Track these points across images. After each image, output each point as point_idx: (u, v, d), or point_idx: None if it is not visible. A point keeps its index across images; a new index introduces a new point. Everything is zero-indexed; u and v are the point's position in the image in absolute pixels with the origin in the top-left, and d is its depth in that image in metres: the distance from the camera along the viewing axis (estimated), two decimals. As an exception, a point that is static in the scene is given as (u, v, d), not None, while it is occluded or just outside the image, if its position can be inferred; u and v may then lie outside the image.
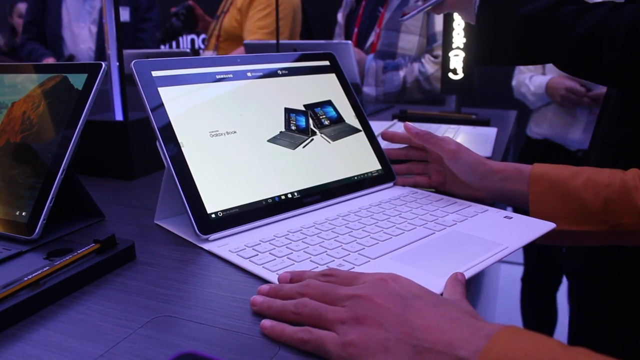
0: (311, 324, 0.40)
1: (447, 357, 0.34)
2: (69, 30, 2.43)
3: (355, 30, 1.94)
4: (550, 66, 1.79)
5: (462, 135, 1.10)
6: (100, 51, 2.41)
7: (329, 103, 0.77)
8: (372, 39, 1.90)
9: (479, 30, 0.80)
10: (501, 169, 0.68)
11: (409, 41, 1.84)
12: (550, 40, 0.74)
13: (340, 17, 2.07)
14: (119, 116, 0.86)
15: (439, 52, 1.78)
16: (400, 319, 0.37)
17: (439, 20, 1.80)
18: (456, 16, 1.31)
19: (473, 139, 1.07)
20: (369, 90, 1.86)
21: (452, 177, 0.73)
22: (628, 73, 0.70)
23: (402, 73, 1.83)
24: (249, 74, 0.71)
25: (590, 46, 0.70)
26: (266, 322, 0.42)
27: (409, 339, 0.36)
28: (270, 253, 0.54)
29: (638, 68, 0.69)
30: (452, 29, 1.32)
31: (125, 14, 2.37)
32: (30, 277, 0.45)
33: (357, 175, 0.74)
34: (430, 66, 1.81)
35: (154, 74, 0.62)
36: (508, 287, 2.28)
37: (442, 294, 0.45)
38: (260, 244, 0.56)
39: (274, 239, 0.57)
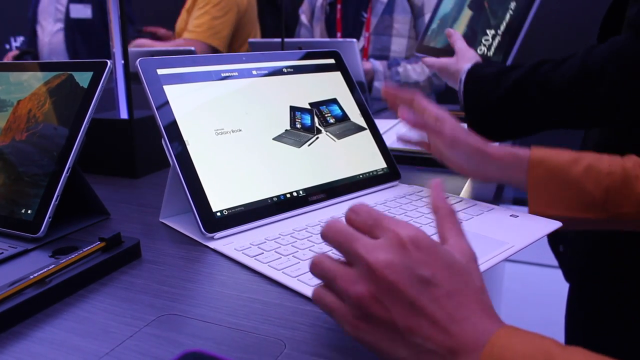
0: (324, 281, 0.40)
1: None
2: (40, 26, 2.59)
3: (339, 35, 2.01)
4: None
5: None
6: (71, 47, 2.55)
7: (334, 101, 0.77)
8: (362, 43, 1.96)
9: (467, 115, 0.81)
10: (499, 157, 0.66)
11: (400, 44, 1.93)
12: (539, 102, 0.74)
13: (304, 18, 2.12)
14: (124, 114, 0.86)
15: None
16: (411, 309, 0.35)
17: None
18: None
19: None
20: (378, 85, 1.90)
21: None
22: (622, 102, 0.70)
23: (401, 70, 1.89)
24: (254, 72, 0.71)
25: (579, 90, 0.71)
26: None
27: (413, 336, 0.35)
28: (275, 251, 0.54)
29: (631, 93, 0.69)
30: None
31: (86, 11, 2.46)
32: (35, 275, 0.45)
33: (362, 174, 0.74)
34: None
35: (160, 72, 0.62)
36: (513, 286, 2.28)
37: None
38: (265, 242, 0.56)
39: (280, 237, 0.57)
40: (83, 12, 2.46)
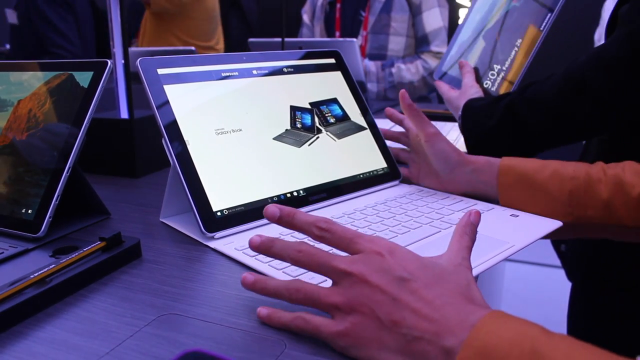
0: (306, 306, 0.41)
1: (435, 346, 0.35)
2: None
3: (337, 34, 2.03)
4: None
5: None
6: (12, 52, 2.60)
7: (334, 101, 0.77)
8: (359, 42, 1.97)
9: (468, 148, 0.83)
10: (473, 161, 0.69)
11: (398, 42, 1.94)
12: (531, 120, 0.75)
13: (306, 18, 2.14)
14: (124, 114, 0.86)
15: (439, 49, 1.87)
16: (393, 305, 0.37)
17: (427, 21, 1.91)
18: (460, 13, 1.31)
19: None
20: (371, 86, 1.91)
21: (425, 167, 0.74)
22: (607, 105, 0.71)
23: (394, 70, 1.90)
24: (254, 72, 0.71)
25: (565, 99, 0.72)
26: (262, 311, 0.42)
27: (399, 328, 0.37)
28: (275, 251, 0.54)
29: (614, 95, 0.70)
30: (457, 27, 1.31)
31: (13, 17, 2.43)
32: (36, 274, 0.45)
33: (363, 173, 0.74)
34: (432, 62, 1.89)
35: (160, 71, 0.62)
36: (513, 286, 2.28)
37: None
38: (265, 242, 0.56)
39: (280, 237, 0.57)
40: (12, 17, 2.43)
